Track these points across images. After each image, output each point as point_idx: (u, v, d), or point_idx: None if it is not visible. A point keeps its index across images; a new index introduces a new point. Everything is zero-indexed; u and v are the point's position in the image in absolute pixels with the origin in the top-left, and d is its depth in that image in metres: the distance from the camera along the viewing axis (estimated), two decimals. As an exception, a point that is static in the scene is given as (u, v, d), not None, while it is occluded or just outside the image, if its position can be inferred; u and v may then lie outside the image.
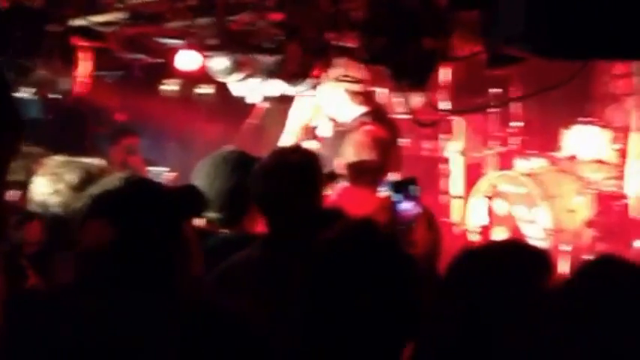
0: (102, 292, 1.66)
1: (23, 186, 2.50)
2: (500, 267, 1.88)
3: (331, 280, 1.70)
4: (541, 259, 1.93)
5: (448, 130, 6.27)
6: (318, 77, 3.41)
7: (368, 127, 3.96)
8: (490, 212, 5.52)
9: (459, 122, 6.32)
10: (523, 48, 2.28)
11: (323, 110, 4.02)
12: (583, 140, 5.73)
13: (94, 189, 1.77)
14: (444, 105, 5.88)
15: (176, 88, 6.54)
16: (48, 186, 2.45)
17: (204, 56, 4.21)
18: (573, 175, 5.63)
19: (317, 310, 1.69)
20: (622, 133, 5.63)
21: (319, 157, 2.67)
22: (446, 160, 6.28)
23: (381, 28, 3.15)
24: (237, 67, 3.06)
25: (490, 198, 5.45)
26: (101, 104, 6.23)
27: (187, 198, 1.84)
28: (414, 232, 2.38)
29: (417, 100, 4.70)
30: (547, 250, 2.57)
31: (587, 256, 1.68)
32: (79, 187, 2.34)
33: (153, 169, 5.71)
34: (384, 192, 2.45)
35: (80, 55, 4.74)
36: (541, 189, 5.41)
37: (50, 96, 5.65)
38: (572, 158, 5.71)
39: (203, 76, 4.55)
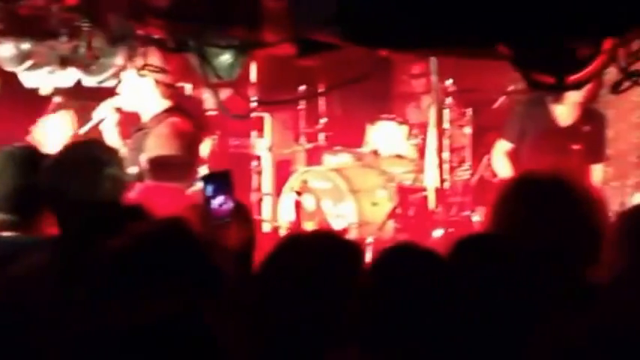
0: None
1: None
2: (316, 257, 1.90)
3: (123, 287, 1.62)
4: (354, 250, 1.98)
5: (258, 127, 6.28)
6: (120, 67, 3.24)
7: (171, 120, 3.84)
8: (299, 208, 5.58)
9: (267, 119, 6.36)
10: (333, 33, 2.30)
11: (124, 102, 3.85)
12: (384, 136, 5.96)
13: None
14: (253, 100, 5.89)
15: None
16: None
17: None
18: (377, 170, 5.84)
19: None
20: (420, 129, 5.92)
21: (116, 151, 2.54)
22: (256, 157, 6.29)
23: (186, 15, 3.06)
24: (26, 54, 2.85)
25: (299, 194, 5.51)
26: None
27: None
28: (229, 227, 2.31)
29: (225, 93, 4.64)
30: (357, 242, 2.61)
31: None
32: None
33: None
34: (195, 187, 2.36)
35: None
36: (347, 184, 5.57)
37: None
38: (375, 153, 5.92)
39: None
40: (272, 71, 6.10)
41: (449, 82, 5.71)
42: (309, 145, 6.27)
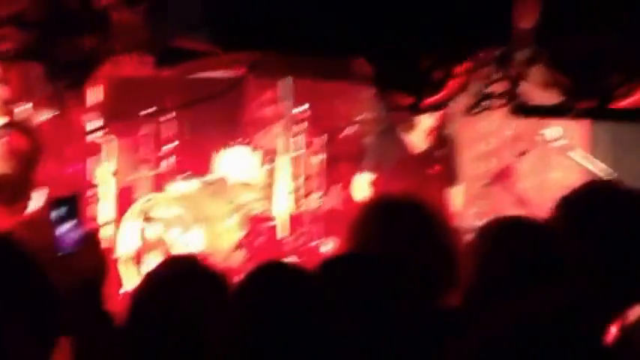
0: None
1: None
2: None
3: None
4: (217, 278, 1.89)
5: (99, 151, 5.93)
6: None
7: (6, 138, 3.55)
8: (143, 237, 5.29)
9: (110, 143, 6.02)
10: (200, 38, 2.13)
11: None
12: (234, 162, 5.79)
13: None
14: (94, 124, 5.55)
15: None
16: None
17: None
18: (226, 198, 5.65)
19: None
20: (270, 155, 5.81)
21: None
22: (95, 184, 5.92)
23: (32, 21, 2.80)
24: None
25: (144, 222, 5.22)
26: None
27: None
28: (79, 255, 2.11)
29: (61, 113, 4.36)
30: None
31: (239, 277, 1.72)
32: None
33: None
34: (33, 209, 2.12)
35: None
36: (194, 211, 5.34)
37: None
38: (224, 180, 5.74)
39: None
40: (120, 93, 5.80)
41: (302, 108, 5.64)
42: (155, 172, 5.98)
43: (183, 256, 2.40)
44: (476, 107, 2.99)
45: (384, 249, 2.14)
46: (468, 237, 2.35)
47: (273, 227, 5.48)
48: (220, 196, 5.67)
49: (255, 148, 5.85)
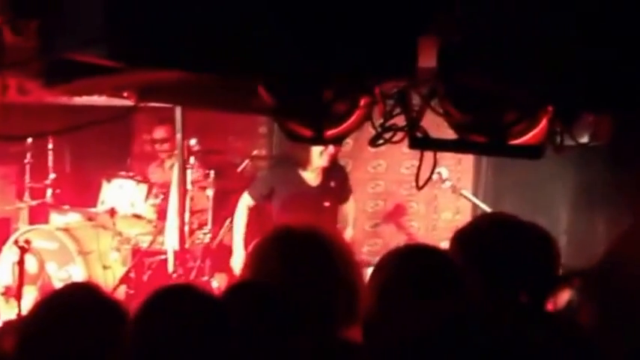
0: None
1: None
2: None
3: None
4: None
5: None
6: None
7: None
8: (22, 269, 4.97)
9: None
10: (99, 53, 1.98)
11: None
12: (121, 195, 5.56)
13: None
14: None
15: None
16: None
17: None
18: (110, 231, 5.41)
19: None
20: (161, 188, 5.62)
21: None
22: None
23: None
24: None
25: (22, 254, 4.91)
26: None
27: None
28: None
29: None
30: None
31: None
32: None
33: None
34: None
35: None
36: (76, 244, 5.09)
37: None
38: (111, 213, 5.49)
39: None
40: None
41: (193, 141, 5.50)
42: (34, 202, 5.67)
43: (80, 285, 2.25)
44: (376, 140, 2.96)
45: (284, 279, 2.07)
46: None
47: (163, 261, 5.28)
48: (105, 229, 5.43)
49: (141, 181, 5.64)
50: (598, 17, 2.11)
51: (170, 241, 5.24)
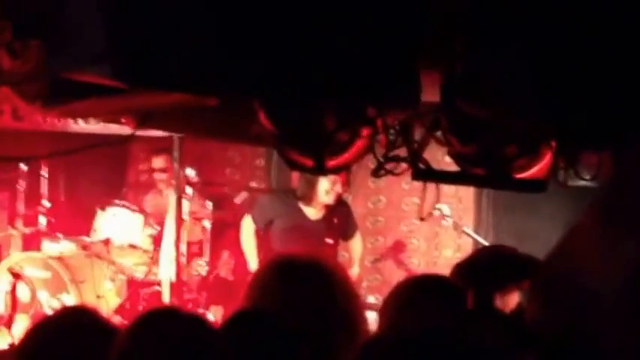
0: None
1: None
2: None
3: None
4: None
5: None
6: None
7: None
8: (13, 297, 4.88)
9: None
10: (101, 72, 1.93)
11: None
12: (116, 224, 5.48)
13: None
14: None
15: None
16: None
17: None
18: (105, 260, 5.32)
19: None
20: (157, 218, 5.55)
21: None
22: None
23: None
24: None
25: (14, 281, 4.83)
26: None
27: None
28: None
29: None
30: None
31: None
32: None
33: None
34: None
35: None
36: (69, 273, 4.99)
37: None
38: (106, 242, 5.41)
39: None
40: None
41: (191, 172, 5.44)
42: (27, 230, 5.58)
43: (75, 308, 2.18)
44: (378, 170, 2.91)
45: (284, 310, 2.01)
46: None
47: (158, 292, 5.18)
48: (99, 259, 5.33)
49: (136, 210, 5.56)
50: (602, 52, 2.08)
51: (166, 272, 5.15)
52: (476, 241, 5.30)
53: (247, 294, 2.21)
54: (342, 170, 3.36)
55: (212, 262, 5.48)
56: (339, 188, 4.72)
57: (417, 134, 2.95)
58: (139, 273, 5.37)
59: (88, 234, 5.52)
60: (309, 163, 3.10)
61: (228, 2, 2.02)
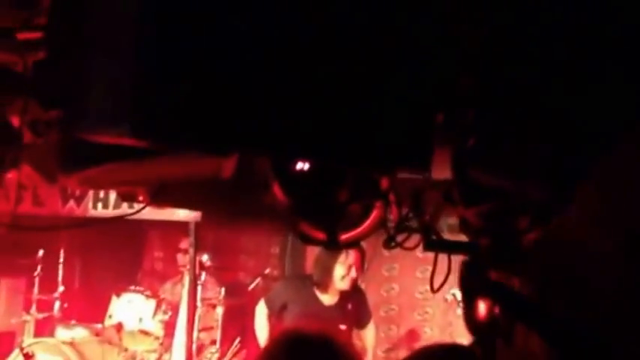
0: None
1: None
2: None
3: None
4: None
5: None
6: None
7: None
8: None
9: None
10: (122, 131, 1.99)
11: None
12: (130, 310, 5.46)
13: None
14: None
15: None
16: None
17: None
18: (117, 346, 5.28)
19: None
20: (169, 304, 5.53)
21: None
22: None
23: None
24: None
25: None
26: None
27: None
28: None
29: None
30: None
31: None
32: None
33: None
34: None
35: None
36: (80, 359, 4.95)
37: None
38: (118, 328, 5.38)
39: None
40: (7, 232, 5.49)
41: (205, 257, 5.46)
42: (41, 315, 5.57)
43: None
44: (391, 241, 2.91)
45: None
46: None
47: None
48: (111, 345, 5.29)
49: (150, 296, 5.55)
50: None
51: (178, 359, 5.09)
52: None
53: None
54: (354, 245, 3.36)
55: (224, 349, 5.41)
56: (354, 274, 4.70)
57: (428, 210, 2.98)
58: (151, 359, 5.31)
59: (102, 320, 5.50)
60: (321, 236, 3.11)
61: (246, 67, 2.10)
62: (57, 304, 5.60)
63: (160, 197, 3.31)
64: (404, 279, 6.06)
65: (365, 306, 4.99)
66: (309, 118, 2.28)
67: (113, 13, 1.99)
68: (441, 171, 2.76)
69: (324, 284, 4.67)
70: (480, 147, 2.66)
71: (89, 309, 5.72)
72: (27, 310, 5.60)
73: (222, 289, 5.54)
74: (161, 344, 5.38)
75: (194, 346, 5.19)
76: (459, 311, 5.13)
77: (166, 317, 5.45)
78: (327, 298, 4.74)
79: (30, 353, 4.60)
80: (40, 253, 5.53)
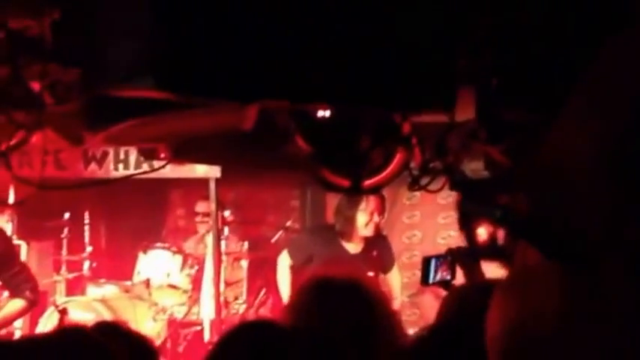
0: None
1: None
2: None
3: None
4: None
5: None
6: None
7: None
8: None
9: (23, 247, 5.73)
10: (145, 84, 2.02)
11: None
12: (157, 265, 5.57)
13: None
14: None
15: None
16: None
17: None
18: (146, 301, 5.39)
19: None
20: (196, 259, 5.62)
21: None
22: None
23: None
24: None
25: (60, 320, 4.90)
26: None
27: None
28: None
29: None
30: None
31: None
32: None
33: None
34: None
35: None
36: (113, 315, 5.06)
37: None
38: (147, 284, 5.49)
39: None
40: (33, 195, 5.58)
41: (227, 212, 5.52)
42: (71, 275, 5.68)
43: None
44: (415, 183, 2.94)
45: (323, 329, 2.03)
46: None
47: (199, 332, 5.22)
48: (141, 300, 5.41)
49: (178, 251, 5.65)
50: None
51: (206, 311, 5.19)
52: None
53: (286, 315, 2.23)
54: (378, 190, 3.39)
55: (250, 300, 5.51)
56: (377, 218, 4.74)
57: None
58: (179, 313, 5.42)
59: (130, 277, 5.61)
60: (345, 183, 3.14)
61: (268, 13, 2.12)
62: (86, 264, 5.71)
63: (182, 153, 3.35)
64: (426, 225, 6.10)
65: (389, 251, 5.06)
66: (331, 60, 2.31)
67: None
68: (462, 112, 2.78)
69: (348, 233, 4.71)
70: (504, 85, 2.67)
71: (117, 267, 5.84)
72: (57, 270, 5.72)
73: (246, 243, 5.61)
74: (190, 297, 5.49)
75: (221, 299, 5.29)
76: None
77: (193, 271, 5.55)
78: (353, 247, 4.79)
79: (64, 309, 4.71)
80: (66, 215, 5.63)
